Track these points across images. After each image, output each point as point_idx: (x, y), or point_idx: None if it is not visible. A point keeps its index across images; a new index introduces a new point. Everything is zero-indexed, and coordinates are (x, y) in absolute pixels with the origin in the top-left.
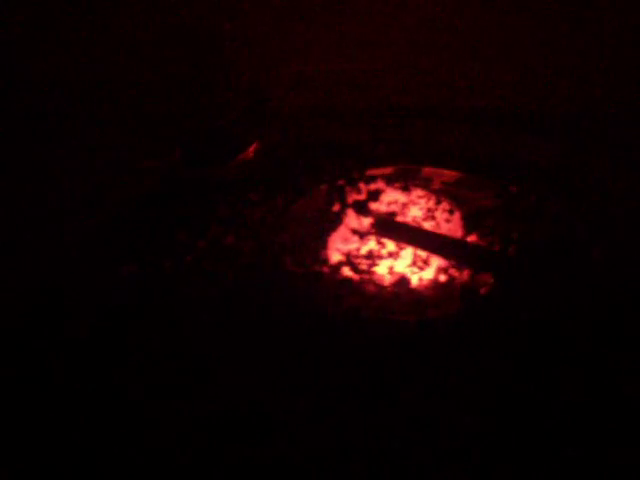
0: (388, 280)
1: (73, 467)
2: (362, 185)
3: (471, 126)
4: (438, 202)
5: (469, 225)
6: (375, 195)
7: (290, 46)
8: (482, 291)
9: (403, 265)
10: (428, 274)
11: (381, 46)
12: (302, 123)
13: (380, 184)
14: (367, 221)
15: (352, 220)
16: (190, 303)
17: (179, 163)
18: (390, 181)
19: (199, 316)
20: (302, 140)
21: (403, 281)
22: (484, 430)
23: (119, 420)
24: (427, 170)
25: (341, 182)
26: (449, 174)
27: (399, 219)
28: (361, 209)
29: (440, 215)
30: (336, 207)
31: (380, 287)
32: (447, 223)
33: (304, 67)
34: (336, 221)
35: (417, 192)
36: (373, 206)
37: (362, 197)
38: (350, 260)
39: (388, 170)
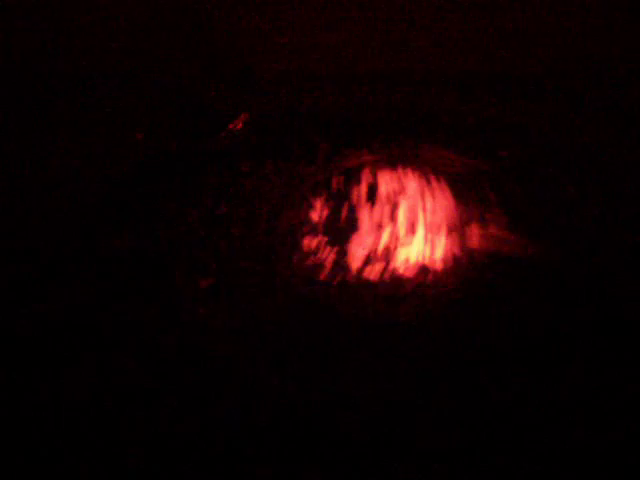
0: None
1: None
2: (362, 175)
3: (459, 92)
4: (435, 176)
5: (464, 190)
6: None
7: (278, 16)
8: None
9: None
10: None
11: (368, 15)
12: (290, 93)
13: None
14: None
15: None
16: (185, 274)
17: (169, 134)
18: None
19: (194, 286)
20: (291, 110)
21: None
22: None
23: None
24: (417, 144)
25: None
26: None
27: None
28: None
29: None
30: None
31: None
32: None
33: (292, 37)
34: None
35: (411, 170)
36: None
37: (363, 189)
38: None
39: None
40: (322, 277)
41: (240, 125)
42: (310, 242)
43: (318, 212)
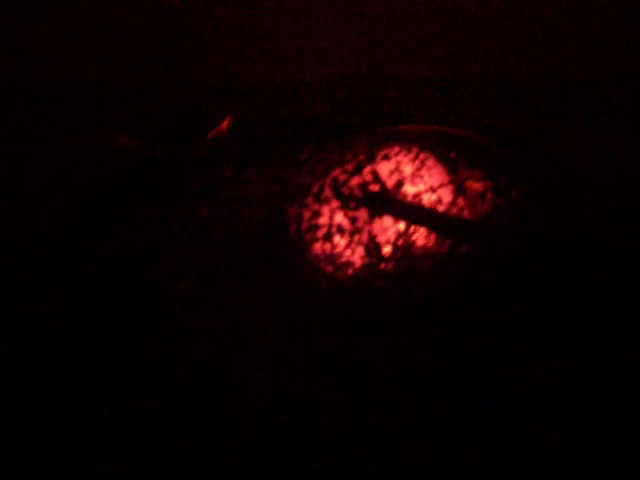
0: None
1: None
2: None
3: (443, 96)
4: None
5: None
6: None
7: (261, 22)
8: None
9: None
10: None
11: (352, 19)
12: (273, 97)
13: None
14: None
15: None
16: (166, 277)
17: (152, 139)
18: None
19: (174, 289)
20: (273, 114)
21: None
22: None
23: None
24: (407, 127)
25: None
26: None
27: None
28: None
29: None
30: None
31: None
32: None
33: (275, 43)
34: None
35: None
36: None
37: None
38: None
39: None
40: (315, 270)
41: (223, 130)
42: (302, 238)
43: (311, 212)
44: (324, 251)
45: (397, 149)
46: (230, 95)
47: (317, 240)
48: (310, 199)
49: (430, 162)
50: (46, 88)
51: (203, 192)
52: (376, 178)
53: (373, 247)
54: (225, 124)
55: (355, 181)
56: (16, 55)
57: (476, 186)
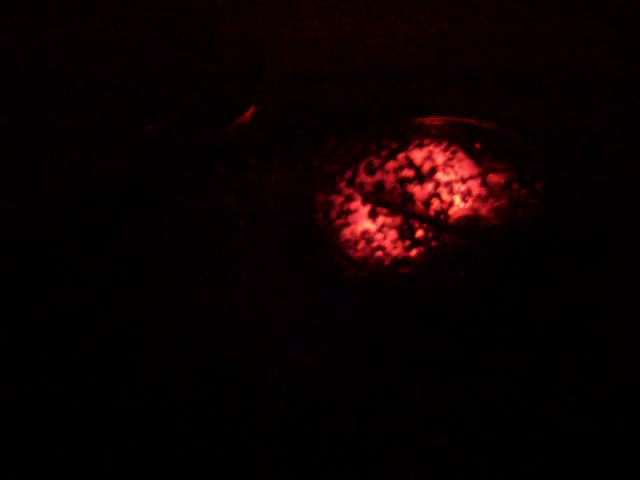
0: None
1: None
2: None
3: (463, 87)
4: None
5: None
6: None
7: (287, 11)
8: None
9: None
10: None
11: (377, 12)
12: (298, 86)
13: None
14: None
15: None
16: (190, 265)
17: (177, 128)
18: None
19: (199, 277)
20: (298, 103)
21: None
22: None
23: None
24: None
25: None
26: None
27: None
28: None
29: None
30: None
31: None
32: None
33: (300, 32)
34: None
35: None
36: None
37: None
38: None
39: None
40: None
41: (248, 118)
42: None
43: (333, 201)
44: (354, 236)
45: (428, 140)
46: (255, 84)
47: (348, 225)
48: (343, 184)
49: (460, 154)
50: (66, 78)
51: (227, 181)
52: (411, 164)
53: (406, 231)
54: (249, 113)
55: (390, 165)
56: (41, 45)
57: (501, 177)
